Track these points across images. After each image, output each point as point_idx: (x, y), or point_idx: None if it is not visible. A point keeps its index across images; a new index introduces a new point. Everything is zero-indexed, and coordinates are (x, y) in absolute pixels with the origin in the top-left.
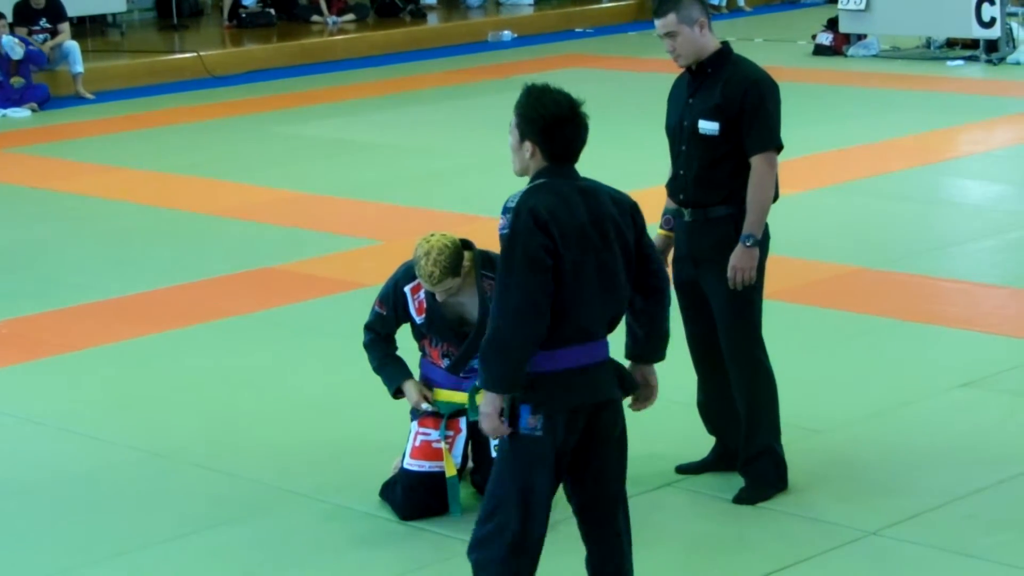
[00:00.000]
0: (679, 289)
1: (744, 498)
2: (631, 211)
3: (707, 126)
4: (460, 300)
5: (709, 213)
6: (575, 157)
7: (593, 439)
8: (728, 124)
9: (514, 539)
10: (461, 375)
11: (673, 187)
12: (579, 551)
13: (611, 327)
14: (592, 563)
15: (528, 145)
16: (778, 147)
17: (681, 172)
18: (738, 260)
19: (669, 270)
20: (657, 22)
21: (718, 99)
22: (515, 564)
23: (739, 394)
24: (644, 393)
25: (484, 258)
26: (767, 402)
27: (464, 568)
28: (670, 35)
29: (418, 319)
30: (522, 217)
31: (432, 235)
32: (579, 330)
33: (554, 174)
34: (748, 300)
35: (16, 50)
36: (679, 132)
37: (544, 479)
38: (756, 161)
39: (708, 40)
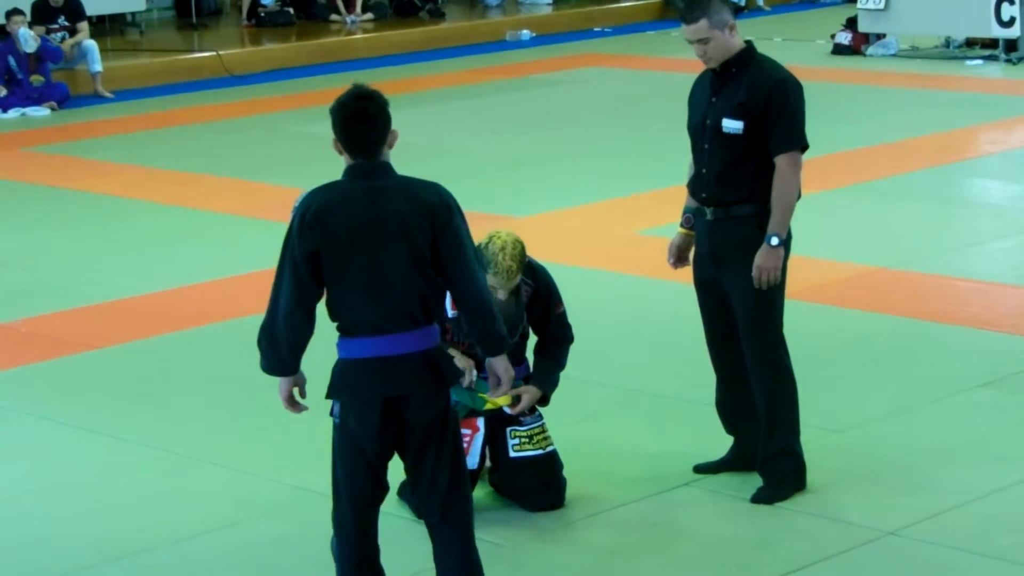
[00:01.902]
0: (700, 288)
1: (762, 498)
2: (431, 211)
3: (731, 125)
4: (499, 300)
5: (731, 212)
6: (366, 149)
7: (402, 430)
8: (752, 123)
9: (337, 522)
10: (481, 375)
11: (695, 185)
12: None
13: (416, 322)
14: (434, 556)
15: (334, 139)
16: (803, 146)
17: (704, 170)
18: (763, 260)
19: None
20: (687, 28)
21: (742, 98)
22: (340, 543)
23: (759, 393)
24: (491, 382)
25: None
26: (787, 401)
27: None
28: (701, 41)
29: (451, 313)
30: (295, 219)
31: (496, 233)
32: (364, 323)
33: (351, 172)
34: (771, 299)
35: (30, 42)
36: (702, 130)
37: (343, 465)
38: (781, 161)
39: (736, 40)
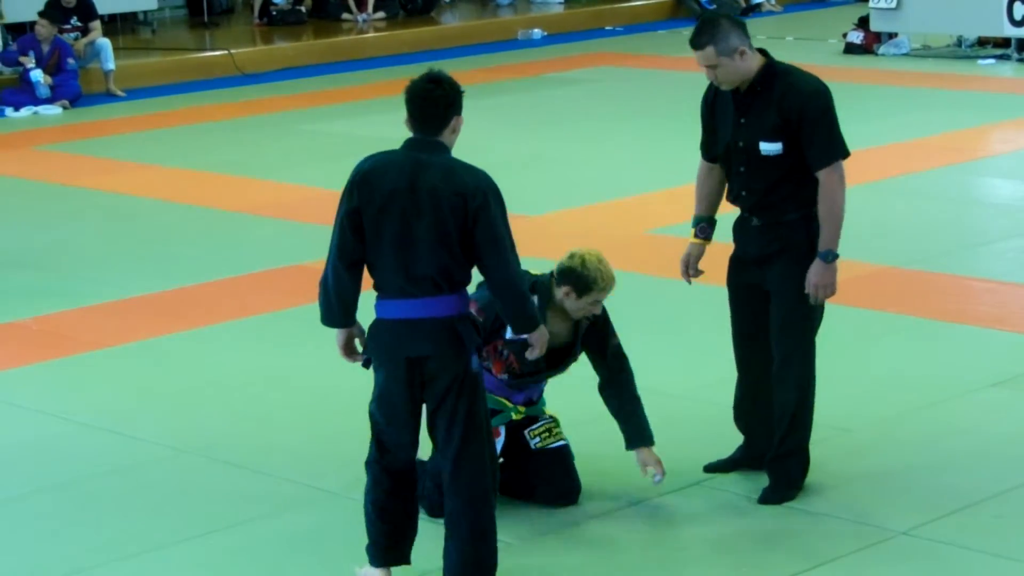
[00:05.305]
0: (738, 291)
1: (771, 498)
2: (465, 193)
3: (769, 147)
4: (557, 331)
5: (780, 218)
6: (425, 126)
7: (423, 389)
8: (790, 141)
9: (371, 456)
10: (515, 387)
11: (734, 202)
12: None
13: (439, 288)
14: (445, 519)
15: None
16: (844, 155)
17: (743, 193)
18: (819, 277)
19: (698, 280)
20: (695, 54)
21: (776, 119)
22: (372, 480)
23: (786, 391)
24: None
25: None
26: (810, 403)
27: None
28: (710, 66)
29: (509, 335)
30: (349, 177)
31: (574, 251)
32: (392, 285)
33: (406, 144)
34: (808, 303)
35: (42, 89)
36: (735, 152)
37: (382, 412)
38: (825, 175)
39: (750, 62)
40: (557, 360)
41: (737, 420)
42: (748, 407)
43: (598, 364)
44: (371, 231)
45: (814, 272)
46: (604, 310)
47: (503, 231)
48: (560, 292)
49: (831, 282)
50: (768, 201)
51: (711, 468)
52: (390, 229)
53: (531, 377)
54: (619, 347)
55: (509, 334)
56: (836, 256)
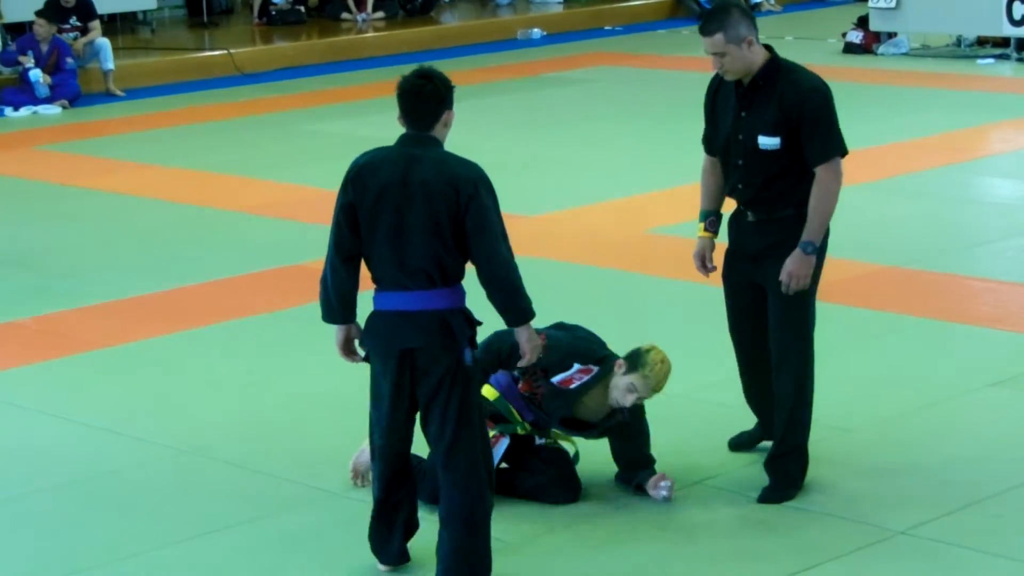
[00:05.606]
0: (734, 287)
1: (770, 497)
2: (456, 184)
3: (768, 142)
4: (590, 406)
5: (775, 214)
6: (417, 122)
7: (414, 380)
8: (789, 137)
9: (372, 447)
10: (525, 400)
11: (731, 196)
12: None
13: (433, 281)
14: (439, 512)
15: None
16: (843, 153)
17: (740, 186)
18: (795, 266)
19: (704, 275)
20: (704, 41)
21: (776, 114)
22: (375, 469)
23: (784, 390)
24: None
25: None
26: (808, 401)
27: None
28: (718, 54)
29: (556, 379)
30: (345, 174)
31: (656, 346)
32: (388, 277)
33: (400, 140)
34: (805, 300)
35: (41, 88)
36: (734, 145)
37: (373, 405)
38: (822, 171)
39: (756, 54)
40: (571, 426)
41: (748, 403)
42: (755, 394)
43: (619, 456)
44: (366, 225)
45: (791, 261)
46: (644, 421)
47: (494, 221)
48: (616, 364)
49: (805, 274)
50: (764, 196)
51: (736, 446)
52: (384, 222)
53: (542, 413)
54: (648, 454)
55: (556, 379)
56: (815, 249)
